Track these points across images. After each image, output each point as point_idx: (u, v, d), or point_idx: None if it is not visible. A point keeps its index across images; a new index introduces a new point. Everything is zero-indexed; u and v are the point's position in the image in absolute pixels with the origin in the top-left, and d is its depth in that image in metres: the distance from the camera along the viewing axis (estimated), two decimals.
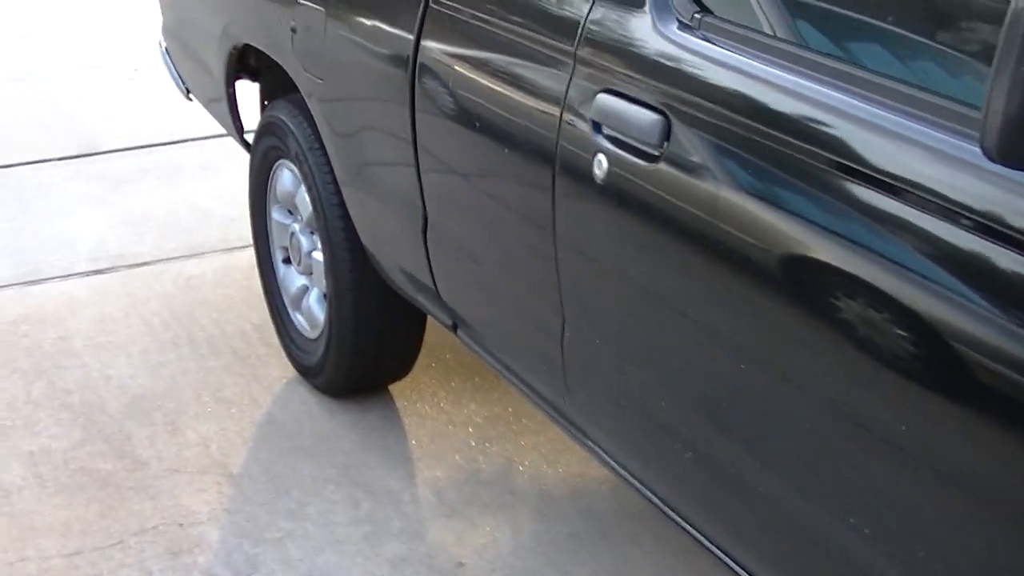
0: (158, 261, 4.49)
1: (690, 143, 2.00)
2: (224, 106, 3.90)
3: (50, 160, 5.39)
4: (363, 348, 3.45)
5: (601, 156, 2.16)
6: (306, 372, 3.69)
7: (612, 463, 2.48)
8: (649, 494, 2.37)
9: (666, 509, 2.31)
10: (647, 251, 2.12)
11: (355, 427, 3.55)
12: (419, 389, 3.71)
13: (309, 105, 3.29)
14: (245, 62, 3.81)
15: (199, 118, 5.52)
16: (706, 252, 2.00)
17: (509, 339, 2.73)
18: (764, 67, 1.91)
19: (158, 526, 3.18)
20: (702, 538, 2.25)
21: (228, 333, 4.02)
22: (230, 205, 4.87)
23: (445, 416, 3.59)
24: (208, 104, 4.18)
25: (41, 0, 7.99)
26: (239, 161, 5.12)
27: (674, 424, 2.20)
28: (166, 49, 4.40)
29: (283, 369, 3.80)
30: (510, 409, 3.61)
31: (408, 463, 3.42)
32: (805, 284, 1.82)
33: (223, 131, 5.21)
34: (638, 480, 2.40)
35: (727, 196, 1.94)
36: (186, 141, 5.54)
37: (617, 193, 2.15)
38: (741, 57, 1.96)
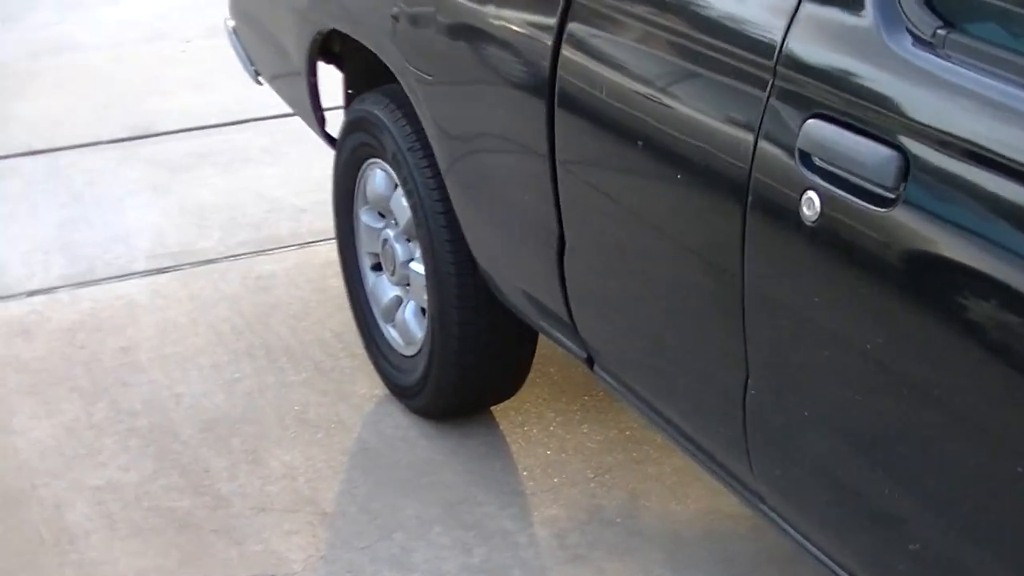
0: (224, 258, 4.13)
1: (935, 188, 1.63)
2: (304, 95, 3.51)
3: (100, 143, 5.02)
4: (469, 370, 3.09)
5: (812, 194, 1.79)
6: (401, 393, 3.33)
7: (795, 535, 2.12)
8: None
9: None
10: (867, 311, 1.75)
11: (457, 455, 3.19)
12: (524, 410, 3.35)
13: (413, 102, 2.91)
14: (328, 47, 3.42)
15: (259, 95, 5.14)
16: (943, 320, 1.64)
17: (667, 385, 2.36)
18: None
19: None
20: None
21: (307, 342, 3.66)
22: (299, 194, 4.50)
23: (556, 441, 3.23)
24: (283, 92, 3.80)
25: None
26: (306, 143, 4.72)
27: (896, 510, 1.83)
28: (234, 29, 4.02)
29: (371, 385, 3.44)
30: (627, 432, 3.24)
31: (521, 498, 3.06)
32: None
33: (287, 110, 4.83)
34: (832, 560, 2.04)
35: (977, 254, 1.57)
36: (247, 122, 5.16)
37: (832, 239, 1.78)
38: (999, 85, 1.58)
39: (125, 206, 4.49)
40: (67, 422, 3.35)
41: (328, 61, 3.52)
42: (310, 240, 4.22)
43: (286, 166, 4.73)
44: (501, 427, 3.30)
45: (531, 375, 3.41)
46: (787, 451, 2.03)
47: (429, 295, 3.07)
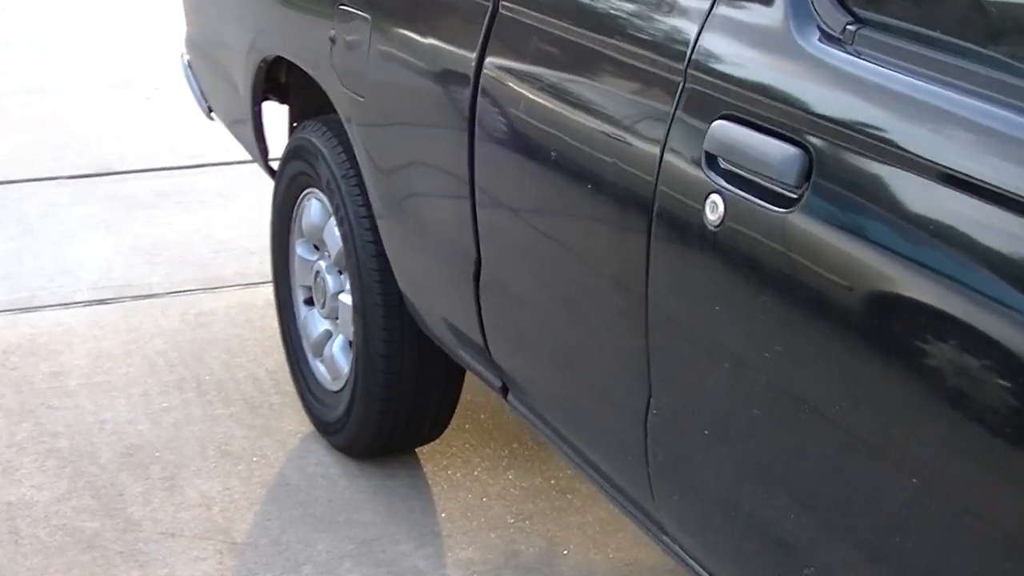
0: (167, 294, 4.09)
1: (838, 185, 1.59)
2: (248, 127, 3.50)
3: (58, 178, 5.00)
4: (392, 405, 3.04)
5: (716, 197, 1.75)
6: (325, 428, 3.27)
7: (696, 567, 2.06)
8: None
9: None
10: (767, 320, 1.70)
11: (377, 495, 3.13)
12: (450, 454, 3.29)
13: (346, 127, 2.89)
14: (274, 79, 3.41)
15: (219, 141, 5.17)
16: (848, 329, 1.58)
17: (574, 410, 2.31)
18: (941, 92, 1.50)
19: None
20: None
21: (239, 379, 3.61)
22: (249, 237, 4.47)
23: (480, 486, 3.16)
24: (231, 124, 3.79)
25: (61, 18, 7.62)
26: (261, 189, 4.73)
27: (797, 541, 1.77)
28: (188, 63, 4.02)
29: (298, 423, 3.38)
30: (552, 481, 3.18)
31: (437, 539, 2.99)
32: (994, 385, 1.40)
33: (245, 156, 4.83)
34: None
35: (879, 256, 1.52)
36: (205, 166, 5.15)
37: (734, 244, 1.73)
38: (910, 80, 1.55)
39: (76, 240, 4.46)
40: None
41: (276, 97, 3.50)
42: (255, 281, 4.18)
43: (239, 209, 4.71)
44: (425, 469, 3.24)
45: (461, 420, 3.36)
46: (686, 474, 1.98)
47: (355, 327, 3.03)
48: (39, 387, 3.54)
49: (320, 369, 3.31)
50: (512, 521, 3.04)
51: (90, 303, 4.02)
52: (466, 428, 3.38)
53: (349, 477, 3.19)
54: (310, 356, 3.35)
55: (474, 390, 3.49)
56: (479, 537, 2.98)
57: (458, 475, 3.21)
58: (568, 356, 2.24)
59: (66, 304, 4.01)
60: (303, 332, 3.36)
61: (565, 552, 2.94)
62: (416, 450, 3.29)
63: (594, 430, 2.24)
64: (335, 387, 3.23)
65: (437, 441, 3.29)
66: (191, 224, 4.60)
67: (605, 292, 2.05)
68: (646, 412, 2.01)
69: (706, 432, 1.90)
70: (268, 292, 3.96)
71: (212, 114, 3.98)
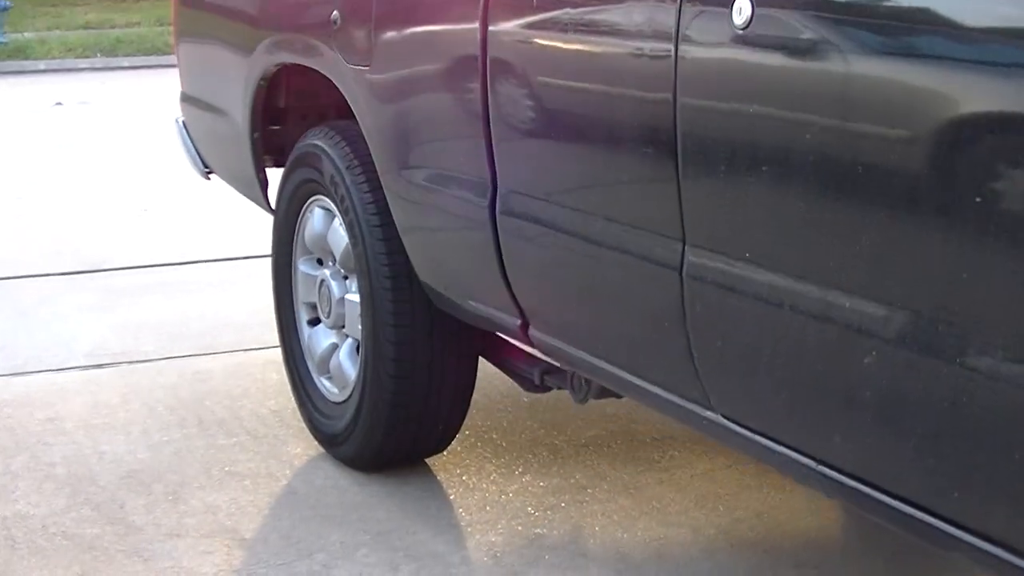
0: (163, 359, 3.98)
1: None
2: (248, 161, 3.45)
3: (52, 275, 4.93)
4: (402, 399, 2.93)
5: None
6: (331, 441, 3.15)
7: (743, 433, 1.95)
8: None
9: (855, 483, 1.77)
10: (801, 116, 1.66)
11: (391, 497, 3.00)
12: (463, 464, 3.17)
13: (354, 109, 2.86)
14: (272, 106, 3.38)
15: (211, 244, 5.15)
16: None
17: (605, 307, 2.22)
18: None
19: None
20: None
21: (242, 416, 3.49)
22: (245, 315, 4.38)
23: (496, 487, 3.04)
24: (229, 171, 3.75)
25: (46, 151, 7.63)
26: (256, 279, 4.69)
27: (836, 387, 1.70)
28: (183, 123, 4.00)
29: (306, 446, 3.27)
30: (571, 480, 3.06)
31: (455, 529, 2.86)
32: None
33: (237, 254, 4.83)
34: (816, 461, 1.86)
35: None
36: (200, 262, 5.09)
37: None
38: None
39: (70, 320, 4.37)
40: None
41: (272, 158, 3.46)
42: (254, 347, 4.08)
43: (234, 295, 4.64)
44: (439, 477, 3.11)
45: (472, 440, 3.26)
46: (728, 315, 1.88)
47: (364, 318, 2.95)
48: (34, 430, 3.42)
49: (325, 385, 3.21)
50: (533, 512, 2.91)
51: (85, 367, 3.91)
52: (477, 446, 3.26)
53: (360, 485, 3.06)
54: (315, 375, 3.25)
55: (483, 414, 3.40)
56: (500, 525, 2.85)
57: (473, 480, 3.08)
58: (597, 236, 2.15)
59: (61, 369, 3.90)
60: (308, 353, 3.28)
61: (591, 534, 2.81)
62: (427, 462, 3.16)
63: (627, 320, 2.14)
64: (341, 397, 3.13)
65: (448, 455, 3.17)
66: (186, 305, 4.53)
67: (631, 125, 1.99)
68: (681, 263, 1.93)
69: (747, 255, 1.82)
70: (267, 355, 3.90)
71: (208, 173, 3.95)
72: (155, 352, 4.04)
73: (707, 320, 1.91)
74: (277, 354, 3.63)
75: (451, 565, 2.68)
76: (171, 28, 4.24)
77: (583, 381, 2.67)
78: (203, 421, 3.46)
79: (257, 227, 5.27)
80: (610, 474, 3.08)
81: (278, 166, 3.47)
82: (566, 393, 3.50)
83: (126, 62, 11.77)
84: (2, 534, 2.83)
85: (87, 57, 11.96)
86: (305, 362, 3.29)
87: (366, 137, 2.84)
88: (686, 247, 1.92)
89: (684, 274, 1.93)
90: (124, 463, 3.20)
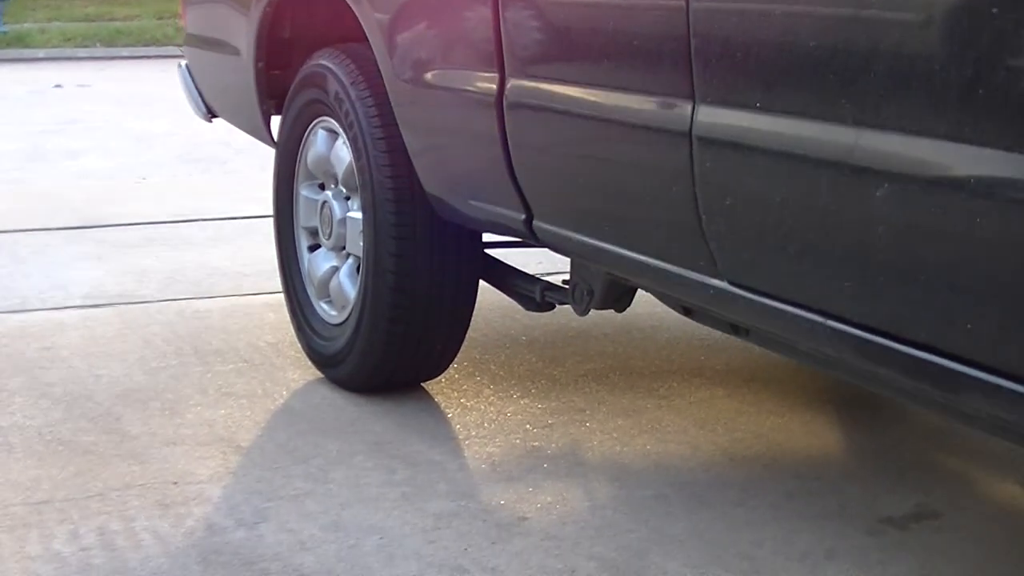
0: (160, 301, 3.97)
1: None
2: (252, 89, 3.44)
3: (50, 229, 4.92)
4: (402, 313, 2.91)
5: None
6: (328, 362, 3.14)
7: (751, 298, 1.94)
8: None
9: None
10: None
11: (388, 414, 2.99)
12: (461, 389, 3.16)
13: (357, 9, 2.86)
14: (277, 40, 3.37)
15: (209, 204, 5.15)
16: None
17: (615, 186, 2.22)
18: None
19: (147, 483, 2.60)
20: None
21: (239, 348, 3.48)
22: (242, 266, 4.37)
23: (494, 408, 3.03)
24: (233, 108, 3.74)
25: (45, 125, 7.63)
26: (253, 235, 4.72)
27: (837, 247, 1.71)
28: (187, 67, 4.00)
29: (302, 373, 3.25)
30: (571, 404, 3.05)
31: (453, 441, 2.85)
32: None
33: (235, 213, 4.84)
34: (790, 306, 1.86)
35: None
36: (196, 220, 5.08)
37: None
38: None
39: (68, 268, 4.35)
40: None
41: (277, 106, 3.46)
42: (251, 292, 4.07)
43: (232, 249, 4.62)
44: (436, 399, 3.10)
45: (469, 369, 3.25)
46: (736, 171, 1.88)
47: (365, 232, 2.94)
48: (31, 356, 3.41)
49: (324, 308, 3.20)
50: (531, 429, 2.89)
51: (82, 307, 3.90)
52: (475, 375, 3.25)
53: (356, 404, 3.05)
54: (314, 300, 3.24)
55: (480, 350, 3.39)
56: (497, 439, 2.83)
57: (471, 402, 3.07)
58: (605, 111, 2.15)
59: (58, 308, 3.88)
60: (308, 279, 3.27)
61: (589, 446, 2.80)
62: (424, 386, 3.14)
63: (635, 195, 2.14)
64: (340, 318, 3.12)
65: (444, 380, 3.16)
66: (183, 256, 4.52)
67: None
68: (690, 122, 1.93)
69: (758, 104, 1.81)
70: (264, 299, 3.89)
71: (211, 114, 3.95)
72: (152, 295, 4.03)
73: (716, 179, 1.91)
74: (274, 299, 3.69)
75: (448, 472, 2.66)
76: (178, 11, 4.24)
77: (584, 291, 2.66)
78: (199, 351, 3.44)
79: (253, 194, 5.31)
80: (608, 399, 3.06)
81: (279, 113, 3.47)
82: (563, 330, 3.54)
83: (126, 52, 11.78)
84: None
85: (87, 47, 11.97)
86: (305, 288, 3.28)
87: (371, 42, 2.84)
88: (696, 105, 1.91)
89: (693, 134, 1.92)
90: (120, 384, 3.18)
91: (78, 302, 3.94)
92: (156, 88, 9.07)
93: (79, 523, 2.41)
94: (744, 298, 1.95)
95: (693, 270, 2.04)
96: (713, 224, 1.94)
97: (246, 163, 6.44)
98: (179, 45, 4.21)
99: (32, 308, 3.86)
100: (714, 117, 1.89)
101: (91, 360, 3.36)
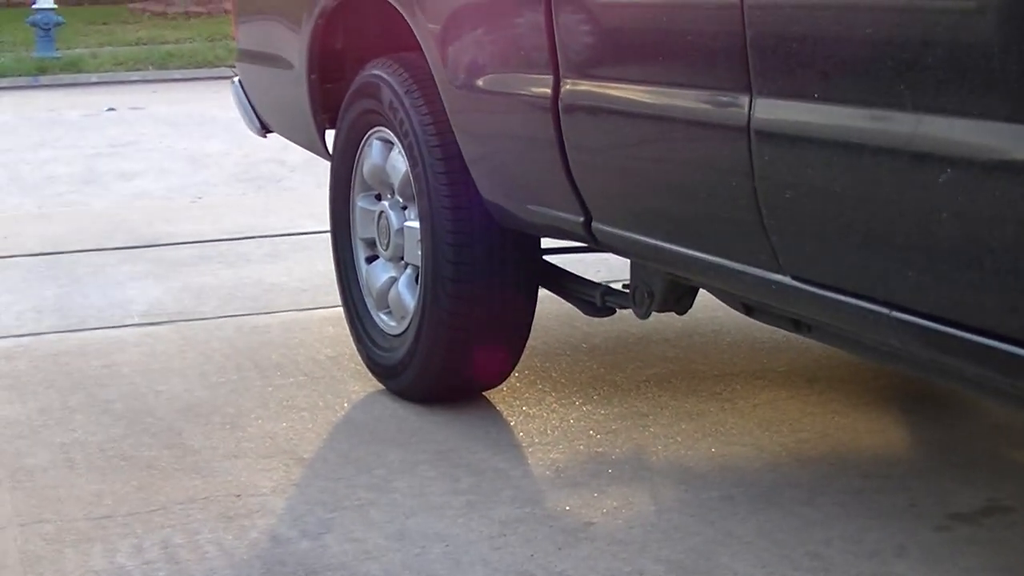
0: (220, 317, 3.97)
1: None
2: (305, 101, 3.44)
3: (107, 249, 4.94)
4: (460, 321, 2.90)
5: None
6: (389, 373, 3.12)
7: (817, 292, 1.91)
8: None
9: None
10: None
11: (450, 423, 2.97)
12: (523, 397, 3.13)
13: (409, 19, 2.85)
14: (329, 53, 3.37)
15: (265, 222, 5.17)
16: None
17: (675, 190, 2.19)
18: None
19: (209, 496, 2.59)
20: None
21: (299, 361, 3.48)
22: (300, 281, 4.37)
23: (556, 415, 3.00)
24: (287, 122, 3.74)
25: (98, 148, 7.68)
26: (310, 250, 4.71)
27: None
28: (239, 82, 4.01)
29: (364, 384, 3.24)
30: (634, 409, 3.02)
31: (516, 449, 2.83)
32: None
33: (291, 230, 4.85)
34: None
35: None
36: (252, 238, 5.09)
37: None
38: None
39: (126, 286, 4.37)
40: (40, 406, 3.17)
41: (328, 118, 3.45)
42: (309, 307, 4.06)
43: (288, 265, 4.62)
44: (498, 407, 3.08)
45: (530, 377, 3.23)
46: (796, 164, 1.85)
47: (423, 241, 2.93)
48: (91, 373, 3.42)
49: (383, 319, 3.19)
50: (595, 435, 2.87)
51: (142, 325, 3.91)
52: (537, 383, 3.23)
53: (418, 414, 3.04)
54: (373, 311, 3.23)
55: (541, 358, 3.37)
56: (561, 446, 2.81)
57: (533, 410, 3.05)
58: (661, 110, 2.12)
59: (117, 326, 3.90)
60: (366, 290, 3.26)
61: (654, 451, 2.77)
62: (485, 395, 3.13)
63: (694, 192, 2.11)
64: (399, 329, 3.10)
65: (506, 389, 3.14)
66: (240, 273, 4.52)
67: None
68: (749, 116, 1.90)
69: (816, 95, 1.78)
70: (323, 313, 3.89)
71: (265, 129, 3.95)
72: (211, 312, 4.03)
73: (775, 172, 1.88)
74: (333, 313, 3.70)
75: (512, 479, 2.64)
76: (230, 33, 4.25)
77: (645, 293, 2.64)
78: (260, 366, 3.44)
79: (308, 211, 5.33)
80: (671, 404, 3.03)
81: (333, 125, 3.46)
82: (624, 336, 3.51)
83: (177, 74, 11.84)
84: (60, 457, 2.82)
85: (139, 70, 12.05)
86: (364, 300, 3.27)
87: (424, 50, 2.83)
88: (753, 99, 1.89)
89: (752, 128, 1.90)
90: (181, 399, 3.18)
91: (137, 320, 3.95)
92: (209, 109, 9.11)
93: (143, 537, 2.40)
94: (807, 292, 1.92)
95: (755, 266, 2.01)
96: (774, 218, 1.91)
97: (301, 181, 6.46)
98: (231, 66, 4.21)
99: (91, 327, 3.87)
100: (772, 110, 1.87)
101: (151, 376, 3.37)
